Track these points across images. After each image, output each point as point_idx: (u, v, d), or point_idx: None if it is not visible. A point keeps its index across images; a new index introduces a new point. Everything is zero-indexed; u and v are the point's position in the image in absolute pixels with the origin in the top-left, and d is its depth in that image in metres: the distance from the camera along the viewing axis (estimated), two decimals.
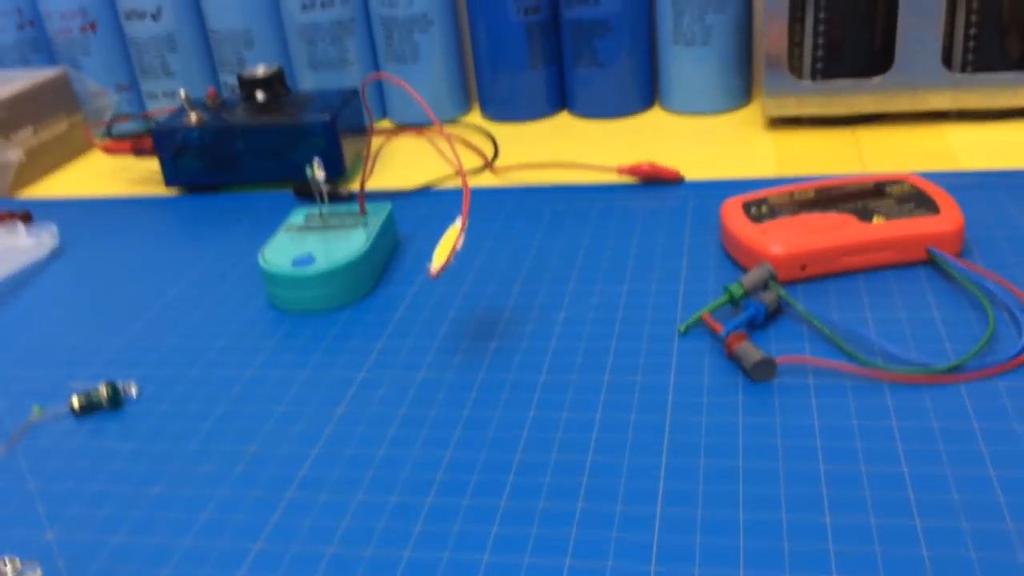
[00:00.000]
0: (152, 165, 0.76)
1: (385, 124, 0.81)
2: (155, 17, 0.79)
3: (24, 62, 0.84)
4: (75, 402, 0.45)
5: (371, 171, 0.58)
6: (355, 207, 0.57)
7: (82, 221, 0.67)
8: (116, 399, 0.45)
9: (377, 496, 0.37)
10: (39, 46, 0.84)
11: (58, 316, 0.54)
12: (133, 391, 0.46)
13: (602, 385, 0.42)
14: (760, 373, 0.41)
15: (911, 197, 0.50)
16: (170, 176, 0.69)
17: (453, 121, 0.80)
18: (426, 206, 0.64)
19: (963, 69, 0.65)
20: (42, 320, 0.54)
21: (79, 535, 0.37)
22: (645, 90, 0.77)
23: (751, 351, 0.41)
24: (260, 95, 0.68)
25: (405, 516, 0.36)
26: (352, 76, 0.79)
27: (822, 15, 0.65)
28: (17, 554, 0.36)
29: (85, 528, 0.37)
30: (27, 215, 0.67)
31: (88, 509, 0.38)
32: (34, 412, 0.45)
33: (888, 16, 0.65)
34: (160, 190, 0.72)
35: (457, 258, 0.55)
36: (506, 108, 0.78)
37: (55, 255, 0.63)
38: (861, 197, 0.51)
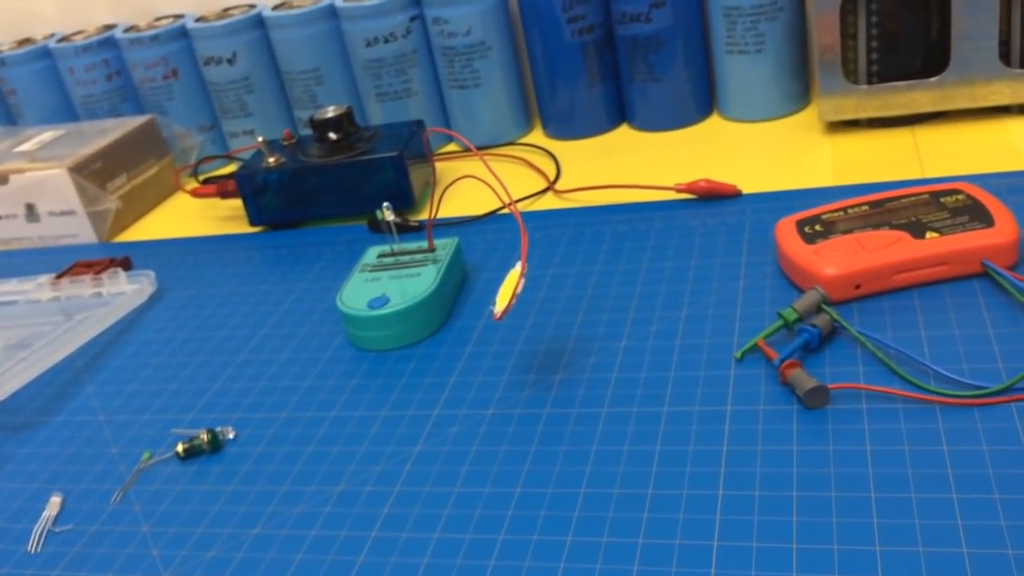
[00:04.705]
0: (236, 203, 0.80)
1: (452, 148, 0.84)
2: (231, 62, 0.84)
3: (114, 111, 0.89)
4: (180, 448, 0.49)
5: (438, 207, 0.61)
6: (424, 241, 0.60)
7: (176, 263, 0.72)
8: (216, 443, 0.49)
9: (453, 534, 0.40)
10: (127, 95, 0.90)
11: (160, 362, 0.59)
12: (231, 434, 0.50)
13: (661, 416, 0.44)
14: (813, 400, 0.42)
15: (965, 209, 0.51)
16: (253, 216, 0.74)
17: (516, 141, 0.82)
18: (493, 232, 0.66)
19: (1022, 64, 0.64)
20: (145, 366, 0.59)
21: None
22: (702, 100, 0.78)
23: (804, 379, 0.43)
24: (332, 134, 0.71)
25: (479, 554, 0.39)
26: (418, 104, 0.82)
27: (874, 18, 0.65)
28: None
29: (196, 570, 0.41)
30: (127, 261, 0.72)
31: (197, 551, 0.42)
32: (144, 458, 0.50)
33: (942, 12, 0.65)
34: (245, 227, 0.76)
35: (523, 287, 0.58)
36: (567, 125, 0.80)
37: (154, 299, 0.68)
38: (915, 210, 0.51)
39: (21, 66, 0.90)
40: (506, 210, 0.69)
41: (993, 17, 0.62)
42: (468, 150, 0.82)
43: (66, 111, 0.92)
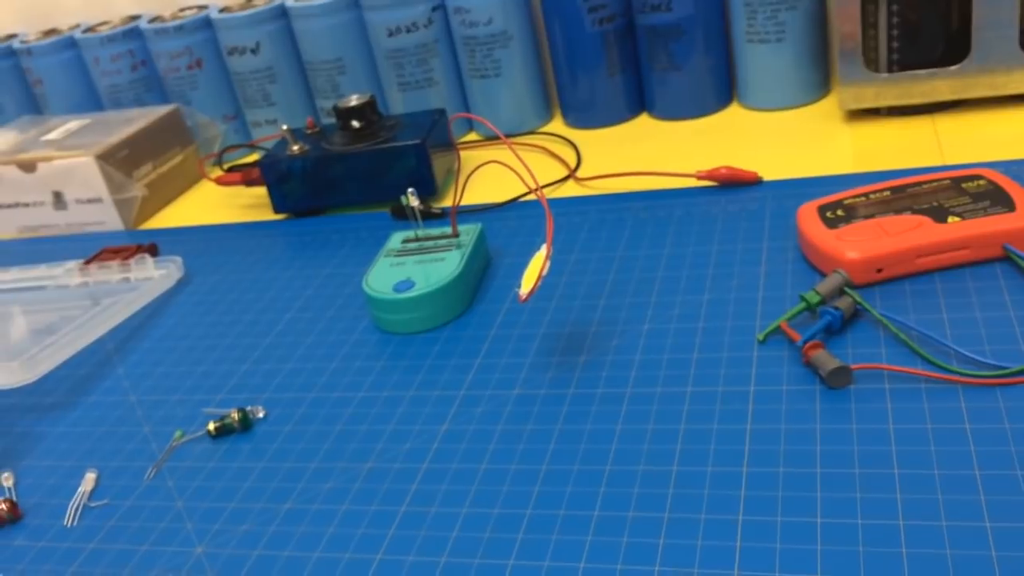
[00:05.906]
0: (261, 190, 0.81)
1: (472, 137, 0.85)
2: (254, 52, 0.85)
3: (139, 101, 0.90)
4: (211, 427, 0.50)
5: (461, 194, 0.62)
6: (448, 227, 0.61)
7: (202, 249, 0.73)
8: (246, 422, 0.50)
9: (481, 508, 0.41)
10: (152, 85, 0.91)
11: (188, 345, 0.60)
12: (260, 414, 0.51)
13: (685, 396, 0.45)
14: (836, 380, 0.43)
15: (986, 194, 0.51)
16: (278, 203, 0.75)
17: (536, 130, 0.83)
18: (515, 219, 0.67)
19: None
20: (174, 349, 0.60)
21: (224, 550, 0.42)
22: (722, 89, 0.78)
23: (827, 359, 0.43)
24: (355, 123, 0.72)
25: (507, 527, 0.39)
26: (439, 94, 0.83)
27: (895, 7, 0.65)
28: (170, 568, 0.41)
29: (229, 543, 0.42)
30: (154, 248, 0.73)
31: (230, 525, 0.43)
32: (176, 436, 0.51)
33: (962, 1, 0.65)
34: (269, 215, 0.77)
35: (547, 270, 0.59)
36: (587, 115, 0.80)
37: (181, 284, 0.69)
38: (936, 195, 0.52)
39: (47, 56, 0.91)
40: (528, 197, 0.69)
41: (1013, 6, 0.63)
42: (491, 137, 0.83)
43: (91, 101, 0.93)
